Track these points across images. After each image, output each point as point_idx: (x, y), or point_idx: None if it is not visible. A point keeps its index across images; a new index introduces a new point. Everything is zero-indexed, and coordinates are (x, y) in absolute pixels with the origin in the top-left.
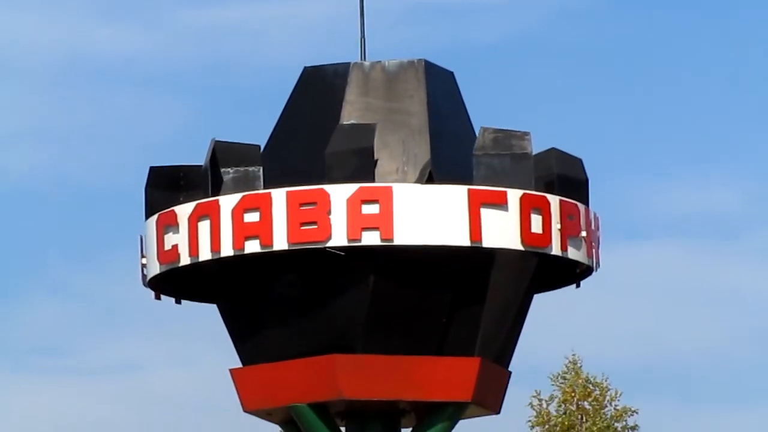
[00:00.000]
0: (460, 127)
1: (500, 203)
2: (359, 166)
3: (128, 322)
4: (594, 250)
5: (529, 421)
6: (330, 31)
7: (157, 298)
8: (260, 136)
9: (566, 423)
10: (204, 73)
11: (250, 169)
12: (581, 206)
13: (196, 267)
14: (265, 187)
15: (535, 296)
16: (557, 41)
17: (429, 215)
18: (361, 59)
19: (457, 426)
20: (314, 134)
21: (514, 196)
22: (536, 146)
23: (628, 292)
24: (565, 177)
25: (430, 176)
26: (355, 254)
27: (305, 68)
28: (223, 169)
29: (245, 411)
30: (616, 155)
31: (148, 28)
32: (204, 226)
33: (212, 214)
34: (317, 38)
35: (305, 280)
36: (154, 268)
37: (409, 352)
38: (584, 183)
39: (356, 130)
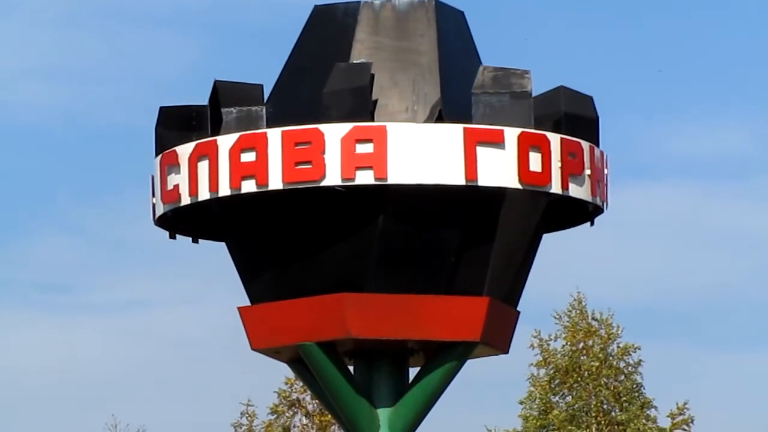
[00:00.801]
0: (470, 67)
1: (497, 141)
2: (355, 105)
3: (137, 260)
4: (600, 189)
5: (532, 364)
6: None
7: (172, 237)
8: (270, 75)
9: (568, 364)
10: (214, 12)
11: (253, 108)
12: (585, 144)
13: (204, 205)
14: (268, 128)
15: (543, 235)
16: None
17: (424, 154)
18: None
19: (464, 366)
20: (323, 73)
21: (511, 134)
22: (548, 86)
23: (638, 232)
24: (573, 115)
25: (440, 115)
26: (365, 193)
27: (315, 7)
28: (226, 109)
29: (253, 349)
30: (628, 96)
31: None
32: (203, 166)
33: (211, 153)
34: None
35: (314, 218)
36: (160, 208)
37: (418, 291)
38: (594, 121)
39: (352, 70)
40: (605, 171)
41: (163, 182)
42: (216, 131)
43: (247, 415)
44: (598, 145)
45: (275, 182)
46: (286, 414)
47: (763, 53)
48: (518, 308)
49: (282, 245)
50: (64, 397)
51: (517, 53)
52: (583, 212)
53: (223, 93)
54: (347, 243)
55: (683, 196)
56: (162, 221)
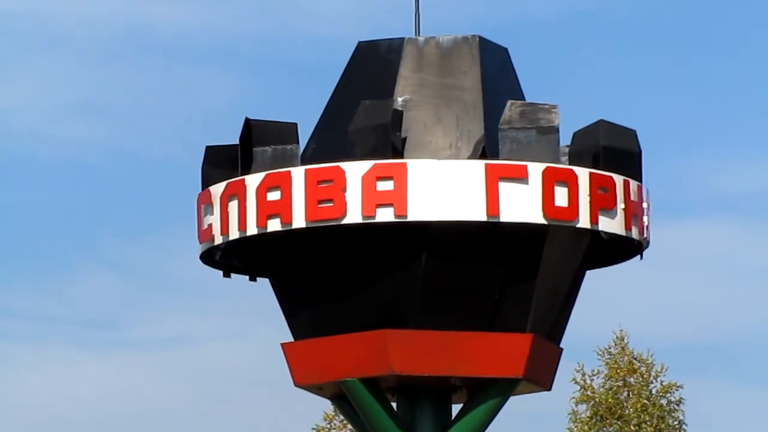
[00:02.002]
0: None
1: (520, 177)
2: (377, 142)
3: (181, 296)
4: (638, 223)
5: (573, 398)
6: (384, 5)
7: (226, 276)
8: (314, 112)
9: (610, 400)
10: (259, 48)
11: (288, 147)
12: (618, 178)
13: (244, 243)
14: (301, 165)
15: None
16: (613, 16)
17: (444, 191)
18: (416, 34)
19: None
20: None
21: (535, 169)
22: (593, 121)
23: (681, 268)
24: (611, 149)
25: (483, 152)
26: (407, 231)
27: (359, 43)
28: (261, 148)
29: (296, 385)
30: (670, 132)
31: (204, 0)
32: (233, 206)
33: (239, 193)
34: (372, 13)
35: (356, 255)
36: (198, 247)
37: (461, 327)
38: (636, 155)
39: (375, 107)
40: (644, 205)
41: (200, 222)
42: (247, 170)
43: None
44: (641, 179)
45: (298, 221)
46: None
47: None
48: (561, 344)
49: (324, 282)
50: None
51: (561, 89)
52: (630, 247)
53: (256, 131)
54: (390, 280)
55: (726, 232)
56: (207, 259)
